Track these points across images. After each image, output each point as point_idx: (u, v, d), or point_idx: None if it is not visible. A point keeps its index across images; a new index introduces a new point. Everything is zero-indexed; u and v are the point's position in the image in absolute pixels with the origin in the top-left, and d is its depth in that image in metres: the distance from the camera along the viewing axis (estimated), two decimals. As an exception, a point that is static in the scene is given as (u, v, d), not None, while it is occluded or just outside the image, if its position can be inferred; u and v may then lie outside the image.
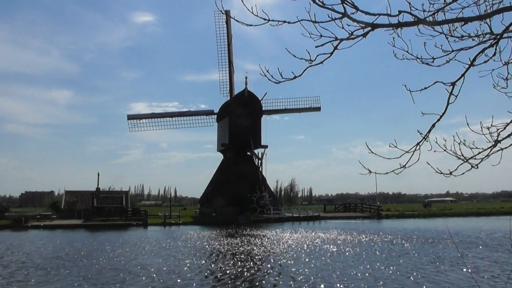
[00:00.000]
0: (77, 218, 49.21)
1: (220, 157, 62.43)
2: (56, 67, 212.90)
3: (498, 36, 3.50)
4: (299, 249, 22.15)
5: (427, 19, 3.45)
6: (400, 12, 3.28)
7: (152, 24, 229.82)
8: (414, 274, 14.61)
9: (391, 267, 15.96)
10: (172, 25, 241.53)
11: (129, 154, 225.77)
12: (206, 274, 15.40)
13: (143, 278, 14.59)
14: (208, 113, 61.05)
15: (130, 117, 59.64)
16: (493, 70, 3.72)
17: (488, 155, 3.60)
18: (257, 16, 3.30)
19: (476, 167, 3.59)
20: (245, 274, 15.13)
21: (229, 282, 13.89)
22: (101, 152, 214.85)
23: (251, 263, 17.69)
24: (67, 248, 24.02)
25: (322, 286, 12.90)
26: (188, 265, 17.38)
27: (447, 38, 3.58)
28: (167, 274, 15.28)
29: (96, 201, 52.20)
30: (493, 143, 3.60)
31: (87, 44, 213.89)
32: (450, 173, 3.61)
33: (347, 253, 20.25)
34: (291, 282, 13.57)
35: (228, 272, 15.58)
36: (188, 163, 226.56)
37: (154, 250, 22.87)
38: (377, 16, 3.27)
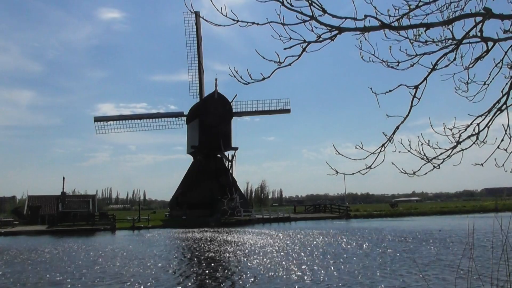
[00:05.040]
0: (41, 223, 47.49)
1: (190, 159, 61.97)
2: (16, 65, 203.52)
3: (459, 41, 3.65)
4: (268, 250, 22.23)
5: (392, 24, 3.55)
6: (366, 16, 3.35)
7: (119, 21, 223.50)
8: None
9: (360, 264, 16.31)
10: (141, 22, 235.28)
11: (96, 156, 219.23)
12: (174, 278, 15.20)
13: (107, 285, 14.23)
14: (178, 115, 60.38)
15: (97, 119, 58.16)
16: (454, 74, 3.86)
17: (450, 156, 3.73)
18: (226, 16, 3.29)
19: (438, 167, 3.71)
20: (213, 276, 15.03)
21: (198, 285, 13.78)
22: (66, 154, 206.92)
23: (219, 265, 17.60)
24: (27, 255, 23.12)
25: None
26: (155, 269, 17.09)
27: (411, 43, 3.70)
28: (132, 279, 14.96)
29: (61, 206, 50.51)
30: (455, 143, 3.74)
31: (50, 42, 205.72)
32: (414, 173, 3.71)
33: (311, 251, 20.51)
34: (262, 282, 13.60)
35: (196, 275, 15.44)
36: (158, 165, 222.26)
37: (119, 255, 22.35)
38: (344, 19, 3.33)
